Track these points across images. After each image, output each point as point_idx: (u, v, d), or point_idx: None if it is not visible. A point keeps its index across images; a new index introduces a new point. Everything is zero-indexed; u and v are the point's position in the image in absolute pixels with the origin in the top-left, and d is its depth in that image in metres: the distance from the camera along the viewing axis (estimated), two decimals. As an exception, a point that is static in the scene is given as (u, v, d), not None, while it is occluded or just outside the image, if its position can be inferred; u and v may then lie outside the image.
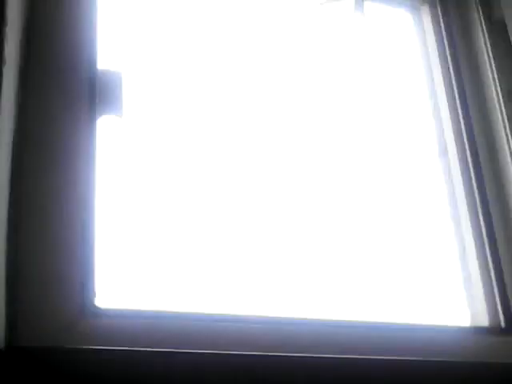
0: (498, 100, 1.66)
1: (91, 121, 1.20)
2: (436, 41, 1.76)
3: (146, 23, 1.47)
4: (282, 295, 1.33)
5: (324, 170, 1.53)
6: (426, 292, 1.49)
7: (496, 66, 1.67)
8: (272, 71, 1.58)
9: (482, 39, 1.72)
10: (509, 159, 1.61)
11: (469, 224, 1.57)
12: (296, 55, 1.63)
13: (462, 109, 1.68)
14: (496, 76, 1.68)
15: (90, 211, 1.15)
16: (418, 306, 1.45)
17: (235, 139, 1.45)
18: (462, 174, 1.62)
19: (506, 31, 1.66)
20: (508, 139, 1.62)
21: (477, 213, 1.57)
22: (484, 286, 1.51)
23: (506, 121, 1.64)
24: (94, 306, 1.11)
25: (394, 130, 1.67)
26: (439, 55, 1.74)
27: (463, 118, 1.67)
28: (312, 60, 1.65)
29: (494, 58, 1.69)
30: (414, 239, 1.55)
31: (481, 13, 1.73)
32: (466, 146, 1.65)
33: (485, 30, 1.72)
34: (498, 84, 1.67)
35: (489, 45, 1.70)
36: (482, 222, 1.56)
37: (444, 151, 1.67)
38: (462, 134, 1.66)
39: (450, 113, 1.68)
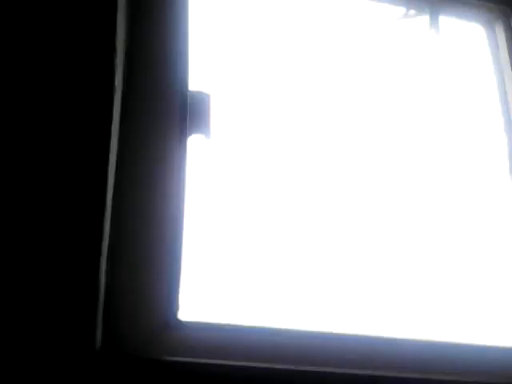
0: None
1: (182, 140, 1.27)
2: (509, 55, 1.77)
3: (235, 45, 1.52)
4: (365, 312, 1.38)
5: (394, 180, 1.57)
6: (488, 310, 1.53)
7: None
8: (350, 84, 1.62)
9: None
10: None
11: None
12: (373, 70, 1.67)
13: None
14: None
15: (179, 228, 1.22)
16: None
17: (320, 160, 1.50)
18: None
19: None
20: None
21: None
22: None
23: None
24: (177, 320, 1.18)
25: (465, 145, 1.69)
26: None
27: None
28: (388, 74, 1.68)
29: None
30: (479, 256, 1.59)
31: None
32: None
33: None
34: None
35: None
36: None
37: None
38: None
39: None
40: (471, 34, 1.85)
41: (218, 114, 1.38)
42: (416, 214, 1.56)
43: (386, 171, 1.58)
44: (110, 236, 1.14)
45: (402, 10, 1.77)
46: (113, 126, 1.10)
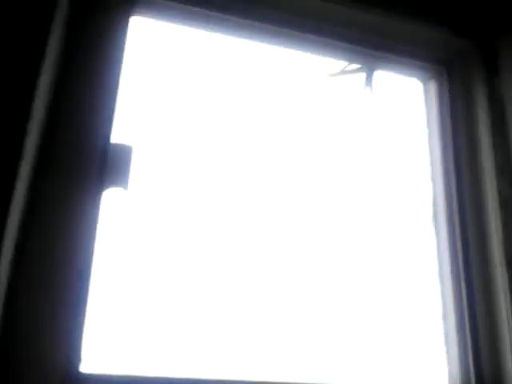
0: (492, 177, 1.72)
1: (97, 193, 1.29)
2: (439, 113, 1.83)
3: (160, 100, 1.54)
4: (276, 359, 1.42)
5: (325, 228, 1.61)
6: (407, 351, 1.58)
7: (493, 142, 1.73)
8: (280, 142, 1.65)
9: (484, 115, 1.77)
10: (493, 225, 1.69)
11: (450, 286, 1.68)
12: (305, 125, 1.70)
13: (457, 179, 1.76)
14: (492, 151, 1.74)
15: (86, 280, 1.25)
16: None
17: (235, 212, 1.53)
18: (449, 237, 1.71)
19: (504, 110, 1.73)
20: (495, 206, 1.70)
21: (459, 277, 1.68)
22: (459, 347, 1.61)
23: (495, 196, 1.70)
24: (79, 373, 1.20)
25: (396, 193, 1.75)
26: (441, 125, 1.82)
27: (456, 190, 1.75)
28: (320, 129, 1.72)
29: (491, 135, 1.74)
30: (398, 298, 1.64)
31: (484, 91, 1.78)
32: (455, 212, 1.73)
33: (486, 108, 1.77)
34: (493, 159, 1.74)
35: (488, 121, 1.76)
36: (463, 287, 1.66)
37: (435, 215, 1.75)
38: (452, 203, 1.74)
39: (444, 181, 1.76)
40: (411, 86, 1.90)
41: (139, 166, 1.40)
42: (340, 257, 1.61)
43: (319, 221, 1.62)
44: (12, 281, 1.15)
45: (342, 64, 1.81)
46: (18, 181, 1.10)
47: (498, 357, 1.59)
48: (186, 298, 1.41)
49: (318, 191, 1.65)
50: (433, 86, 1.86)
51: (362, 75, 1.78)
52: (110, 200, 1.35)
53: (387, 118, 1.82)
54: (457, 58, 1.87)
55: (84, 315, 1.24)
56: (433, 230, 1.76)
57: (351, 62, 1.78)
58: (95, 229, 1.28)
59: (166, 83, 1.56)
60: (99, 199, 1.30)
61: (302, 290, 1.53)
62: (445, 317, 1.67)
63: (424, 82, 1.88)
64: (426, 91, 1.88)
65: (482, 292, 1.66)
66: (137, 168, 1.39)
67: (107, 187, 1.33)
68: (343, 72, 1.76)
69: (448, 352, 1.64)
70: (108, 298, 1.33)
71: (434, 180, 1.80)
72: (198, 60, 1.64)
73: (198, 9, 1.57)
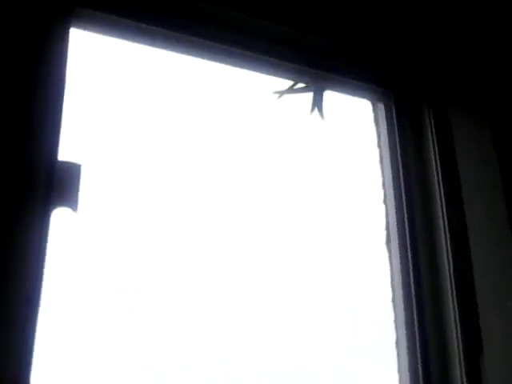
0: (441, 204, 1.73)
1: (45, 214, 1.22)
2: (388, 136, 1.83)
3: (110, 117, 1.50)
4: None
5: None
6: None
7: (440, 168, 1.74)
8: (227, 163, 1.63)
9: (431, 142, 1.79)
10: (443, 253, 1.70)
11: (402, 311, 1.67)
12: (252, 147, 1.68)
13: (407, 204, 1.75)
14: (440, 178, 1.75)
15: (35, 305, 1.17)
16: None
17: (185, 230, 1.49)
18: (401, 262, 1.70)
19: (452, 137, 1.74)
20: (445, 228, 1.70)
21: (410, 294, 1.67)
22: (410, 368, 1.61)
23: (446, 224, 1.71)
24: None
25: (348, 215, 1.74)
26: (391, 149, 1.82)
27: (407, 214, 1.74)
28: (267, 150, 1.70)
29: (439, 161, 1.76)
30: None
31: (431, 117, 1.81)
32: (408, 237, 1.71)
33: (434, 134, 1.79)
34: (441, 186, 1.74)
35: (436, 148, 1.78)
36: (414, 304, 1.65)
37: (388, 239, 1.74)
38: (404, 228, 1.73)
39: (395, 205, 1.76)
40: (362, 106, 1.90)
41: (88, 185, 1.34)
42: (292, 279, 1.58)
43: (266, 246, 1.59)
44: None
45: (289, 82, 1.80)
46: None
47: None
48: (135, 317, 1.35)
49: (265, 215, 1.63)
50: (381, 109, 1.87)
51: (310, 94, 1.78)
52: (59, 221, 1.29)
53: (337, 137, 1.82)
54: (404, 81, 1.88)
55: (33, 339, 1.16)
56: (386, 254, 1.75)
57: (299, 81, 1.78)
58: (44, 251, 1.21)
59: (109, 97, 1.53)
60: (47, 220, 1.24)
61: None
62: (397, 342, 1.65)
63: (373, 103, 1.88)
64: (375, 113, 1.88)
65: (432, 320, 1.66)
66: (86, 187, 1.34)
67: (55, 208, 1.27)
68: (291, 91, 1.75)
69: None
70: (58, 320, 1.27)
71: (386, 203, 1.80)
72: (141, 74, 1.61)
73: (144, 25, 1.53)
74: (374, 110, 1.88)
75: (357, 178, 1.82)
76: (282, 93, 1.74)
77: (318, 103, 1.76)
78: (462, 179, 1.75)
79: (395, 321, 1.69)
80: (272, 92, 1.75)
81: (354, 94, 1.86)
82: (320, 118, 1.77)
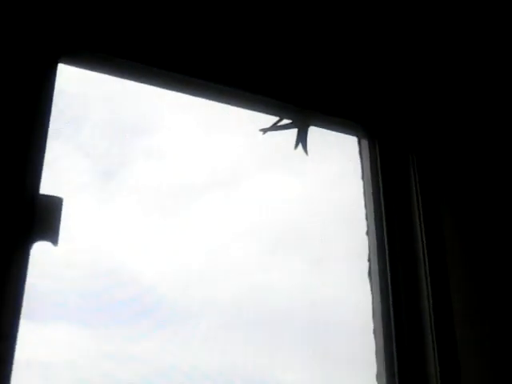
0: (422, 239, 1.76)
1: (25, 247, 1.23)
2: (371, 171, 1.86)
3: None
4: None
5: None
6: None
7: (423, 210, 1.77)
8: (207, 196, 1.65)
9: (413, 180, 1.81)
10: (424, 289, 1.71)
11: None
12: (237, 181, 1.70)
13: (388, 237, 1.77)
14: (421, 213, 1.78)
15: (11, 342, 1.17)
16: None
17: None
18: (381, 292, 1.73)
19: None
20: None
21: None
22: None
23: (426, 260, 1.73)
24: None
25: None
26: (374, 184, 1.84)
27: (388, 248, 1.76)
28: (251, 183, 1.72)
29: (421, 200, 1.78)
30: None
31: (415, 162, 1.83)
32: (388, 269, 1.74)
33: (416, 173, 1.81)
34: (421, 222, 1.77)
35: (418, 186, 1.80)
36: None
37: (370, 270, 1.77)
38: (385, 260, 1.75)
39: (377, 237, 1.78)
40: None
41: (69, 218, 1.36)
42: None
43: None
44: None
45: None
46: None
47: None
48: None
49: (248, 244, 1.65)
50: (365, 145, 1.89)
51: (295, 131, 1.80)
52: (39, 255, 1.30)
53: (322, 171, 1.84)
54: (387, 121, 1.91)
55: (10, 375, 1.17)
56: (369, 284, 1.77)
57: (283, 117, 1.80)
58: (23, 285, 1.22)
59: (94, 131, 1.55)
60: (27, 254, 1.25)
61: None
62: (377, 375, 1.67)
63: (358, 138, 1.91)
64: (360, 146, 1.90)
65: (411, 349, 1.67)
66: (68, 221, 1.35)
67: (35, 241, 1.28)
68: (275, 128, 1.78)
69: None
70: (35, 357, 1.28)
71: (368, 235, 1.82)
72: (127, 110, 1.64)
73: (128, 61, 1.56)
74: (359, 143, 1.91)
75: (343, 208, 1.83)
76: (266, 130, 1.77)
77: (302, 139, 1.78)
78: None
79: (376, 352, 1.70)
80: (257, 129, 1.77)
81: (338, 131, 1.89)
82: (304, 153, 1.79)
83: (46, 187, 1.33)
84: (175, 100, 1.67)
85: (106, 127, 1.58)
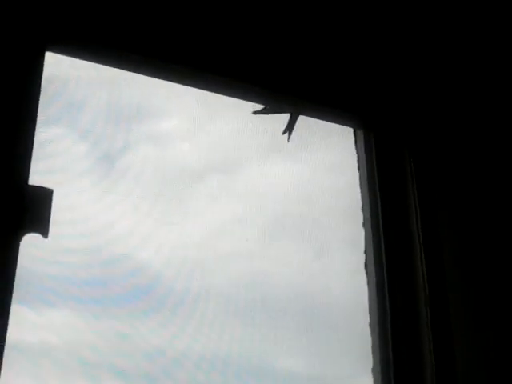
0: (417, 229, 1.74)
1: (14, 240, 1.21)
2: (368, 162, 1.84)
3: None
4: None
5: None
6: None
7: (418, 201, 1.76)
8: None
9: (409, 173, 1.80)
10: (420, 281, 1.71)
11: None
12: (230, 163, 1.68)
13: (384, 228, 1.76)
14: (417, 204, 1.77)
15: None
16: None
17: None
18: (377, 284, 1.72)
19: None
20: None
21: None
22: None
23: (422, 249, 1.72)
24: None
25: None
26: (370, 175, 1.83)
27: (385, 242, 1.75)
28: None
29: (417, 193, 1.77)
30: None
31: (411, 157, 1.83)
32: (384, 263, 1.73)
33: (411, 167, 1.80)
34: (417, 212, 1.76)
35: (413, 179, 1.79)
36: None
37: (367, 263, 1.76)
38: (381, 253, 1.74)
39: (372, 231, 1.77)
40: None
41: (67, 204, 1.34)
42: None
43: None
44: None
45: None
46: None
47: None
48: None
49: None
50: (361, 136, 1.87)
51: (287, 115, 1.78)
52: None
53: (320, 160, 1.82)
54: (383, 113, 1.89)
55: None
56: (365, 277, 1.75)
57: (276, 106, 1.79)
58: (12, 280, 1.20)
59: (83, 119, 1.53)
60: (16, 247, 1.23)
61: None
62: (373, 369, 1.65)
63: (354, 130, 1.89)
64: (356, 136, 1.88)
65: (407, 342, 1.67)
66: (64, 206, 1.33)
67: (25, 233, 1.26)
68: (267, 110, 1.76)
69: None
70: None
71: (365, 227, 1.80)
72: (127, 95, 1.61)
73: (116, 50, 1.54)
74: (355, 134, 1.89)
75: (340, 197, 1.82)
76: (258, 112, 1.75)
77: (290, 126, 1.76)
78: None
79: (372, 346, 1.69)
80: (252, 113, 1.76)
81: (334, 122, 1.87)
82: (287, 139, 1.77)
83: (43, 173, 1.31)
84: (175, 85, 1.64)
85: (105, 112, 1.55)
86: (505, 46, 1.96)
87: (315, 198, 1.75)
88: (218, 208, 1.60)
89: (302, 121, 1.80)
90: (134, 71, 1.59)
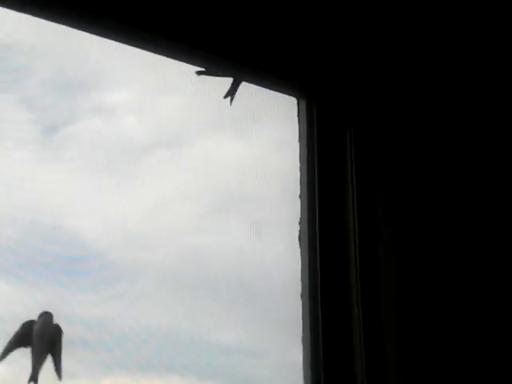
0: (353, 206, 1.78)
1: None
2: (308, 131, 1.84)
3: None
4: None
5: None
6: None
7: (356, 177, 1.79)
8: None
9: (349, 147, 1.82)
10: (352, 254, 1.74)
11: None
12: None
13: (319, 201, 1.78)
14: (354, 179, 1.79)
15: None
16: None
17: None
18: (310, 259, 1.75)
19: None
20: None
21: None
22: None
23: (356, 226, 1.75)
24: None
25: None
26: (308, 144, 1.83)
27: (319, 213, 1.77)
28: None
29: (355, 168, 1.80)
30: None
31: (352, 129, 1.83)
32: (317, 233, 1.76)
33: (353, 140, 1.82)
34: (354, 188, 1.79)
35: (353, 153, 1.81)
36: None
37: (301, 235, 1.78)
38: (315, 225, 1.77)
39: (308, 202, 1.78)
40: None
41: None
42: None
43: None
44: None
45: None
46: None
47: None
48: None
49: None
50: (303, 108, 1.86)
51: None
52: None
53: (266, 132, 1.81)
54: (327, 85, 1.88)
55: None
56: (298, 249, 1.78)
57: (217, 71, 1.76)
58: None
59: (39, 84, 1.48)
60: None
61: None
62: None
63: (297, 99, 1.87)
64: (298, 107, 1.86)
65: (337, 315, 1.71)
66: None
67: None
68: (209, 72, 1.74)
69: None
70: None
71: (301, 199, 1.82)
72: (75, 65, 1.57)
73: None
74: (298, 104, 1.87)
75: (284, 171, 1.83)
76: (201, 73, 1.73)
77: (232, 89, 1.75)
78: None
79: (302, 317, 1.72)
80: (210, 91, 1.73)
81: (276, 90, 1.85)
82: (229, 103, 1.75)
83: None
84: (126, 57, 1.61)
85: (52, 82, 1.51)
86: (447, 11, 1.92)
87: (259, 171, 1.75)
88: (161, 182, 1.59)
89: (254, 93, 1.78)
90: (71, 26, 1.54)
